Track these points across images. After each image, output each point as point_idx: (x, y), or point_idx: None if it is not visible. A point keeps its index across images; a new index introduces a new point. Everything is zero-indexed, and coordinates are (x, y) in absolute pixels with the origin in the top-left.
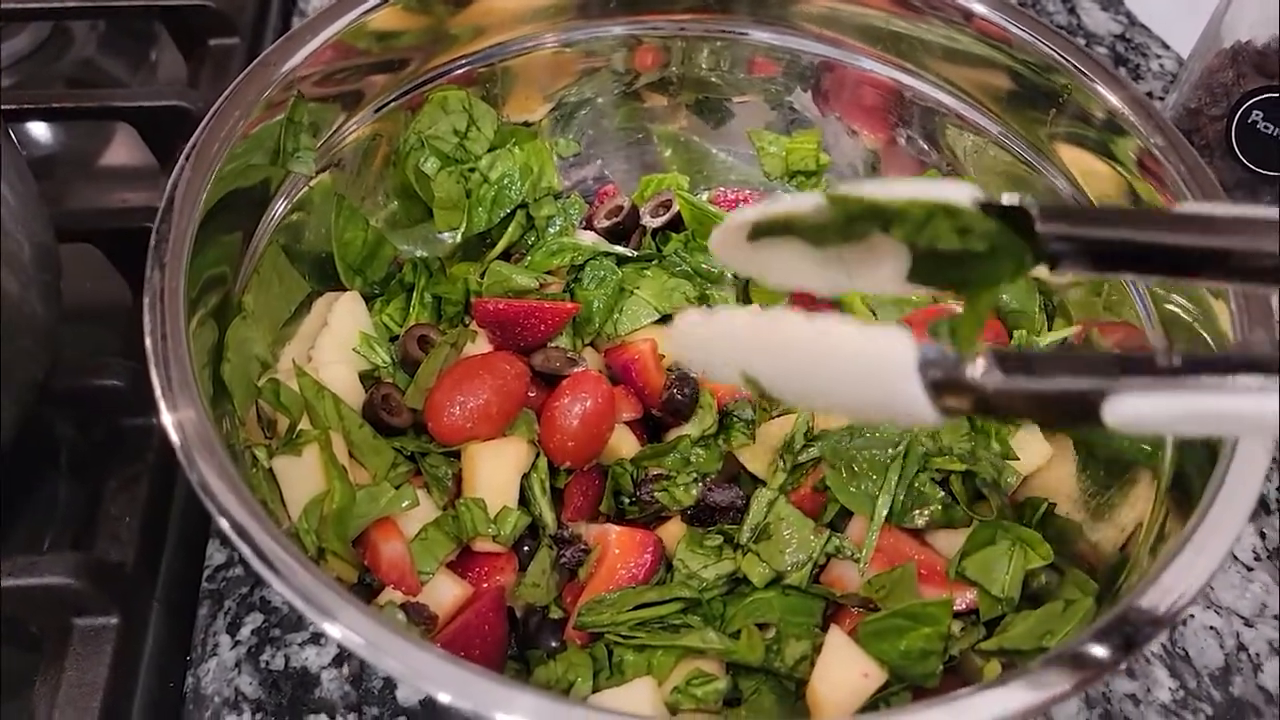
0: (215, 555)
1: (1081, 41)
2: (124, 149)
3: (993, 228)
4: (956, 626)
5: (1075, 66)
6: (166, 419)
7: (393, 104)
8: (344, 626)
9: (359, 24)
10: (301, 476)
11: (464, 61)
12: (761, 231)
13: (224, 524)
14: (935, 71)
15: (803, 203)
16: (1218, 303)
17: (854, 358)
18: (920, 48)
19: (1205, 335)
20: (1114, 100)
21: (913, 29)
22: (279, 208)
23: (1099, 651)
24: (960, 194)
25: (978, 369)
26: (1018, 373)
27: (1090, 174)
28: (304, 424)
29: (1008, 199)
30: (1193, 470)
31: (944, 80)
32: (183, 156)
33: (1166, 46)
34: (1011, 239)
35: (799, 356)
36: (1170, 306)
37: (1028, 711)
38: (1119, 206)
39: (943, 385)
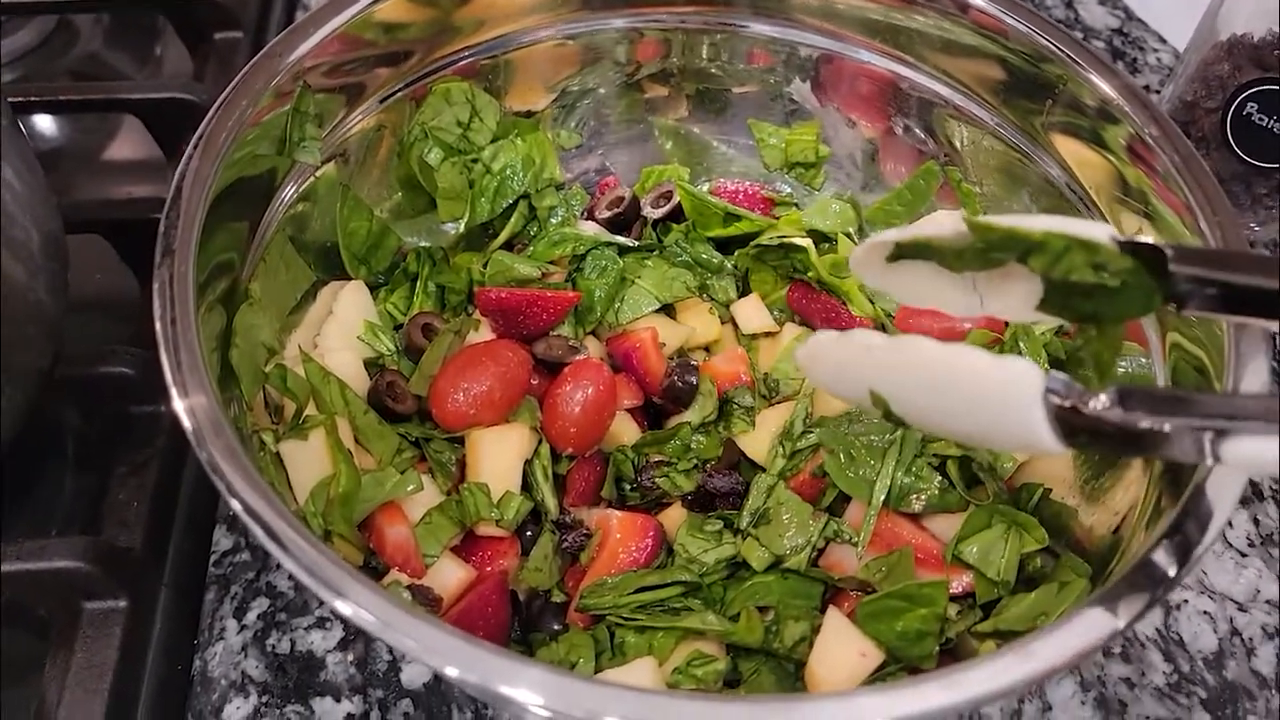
0: (222, 541)
1: (1079, 35)
2: (130, 142)
3: (1127, 265)
4: (953, 609)
5: (1070, 57)
6: (177, 402)
7: (397, 95)
8: (353, 602)
9: (364, 15)
10: (308, 460)
11: (467, 53)
12: (902, 254)
13: (235, 505)
14: (932, 63)
15: (944, 227)
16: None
17: (981, 383)
18: (918, 40)
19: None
20: (1108, 90)
21: (910, 21)
22: (285, 197)
23: (1090, 627)
24: (1099, 231)
25: (1100, 402)
26: (1138, 409)
27: (1084, 164)
28: (310, 409)
29: (1144, 239)
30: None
31: (941, 71)
32: (191, 145)
33: (1163, 40)
34: (1143, 277)
35: (928, 380)
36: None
37: (1021, 685)
38: (1252, 253)
39: (1066, 416)
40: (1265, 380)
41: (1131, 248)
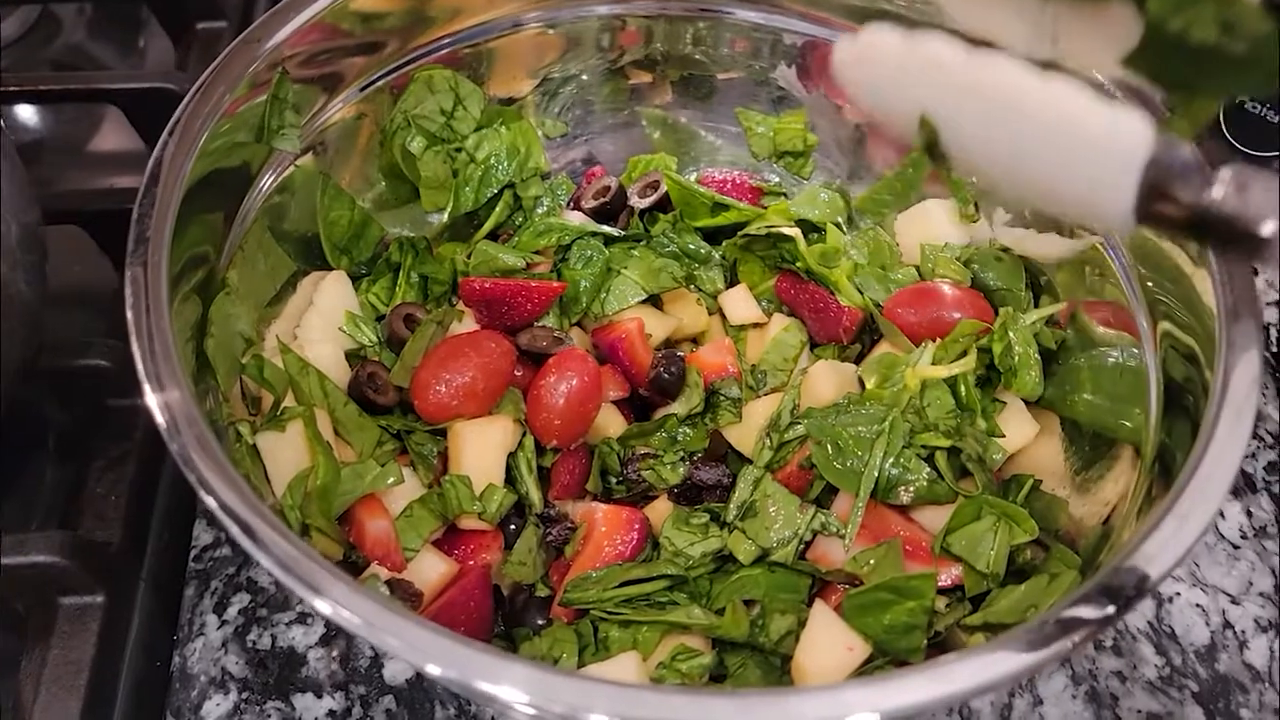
0: (202, 536)
1: None
2: (113, 134)
3: (1265, 30)
4: (942, 602)
5: None
6: (148, 392)
7: (376, 84)
8: (328, 599)
9: (342, 3)
10: (285, 452)
11: (447, 41)
12: None
13: (207, 499)
14: None
15: None
16: (1202, 284)
17: (1078, 126)
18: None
19: (1189, 315)
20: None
21: (895, 5)
22: (264, 186)
23: (1080, 618)
24: None
25: (1214, 192)
26: (1257, 206)
27: None
28: (289, 401)
29: None
30: (1175, 445)
31: None
32: (166, 132)
33: None
34: (1275, 50)
35: (1008, 110)
36: (1152, 285)
37: (1008, 679)
38: None
39: (1162, 190)
40: (1256, 372)
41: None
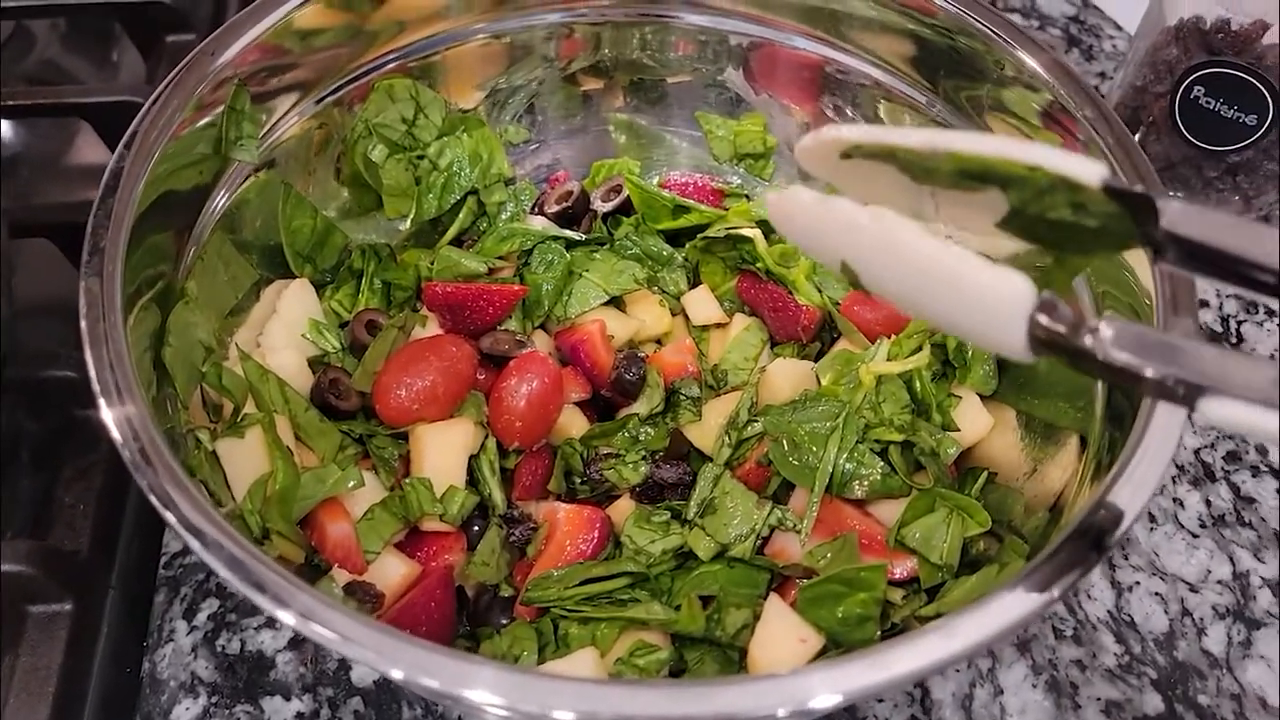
0: (172, 543)
1: (1035, 24)
2: (87, 148)
3: (1111, 210)
4: (898, 595)
5: (1000, 37)
6: (101, 401)
7: (333, 95)
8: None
9: (285, 22)
10: (245, 458)
11: (395, 55)
12: (861, 154)
13: (169, 516)
14: (862, 45)
15: (913, 138)
16: (1144, 278)
17: (969, 286)
18: (846, 23)
19: (1133, 307)
20: (1038, 68)
21: (839, 4)
22: (221, 197)
23: (1017, 600)
24: (1088, 172)
25: (1090, 338)
26: (1129, 349)
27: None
28: (249, 408)
29: (1138, 187)
30: (1117, 430)
31: (871, 54)
32: (122, 144)
33: (1119, 28)
34: (1124, 223)
35: (910, 268)
36: (1097, 279)
37: (948, 661)
38: (1252, 222)
39: (1048, 337)
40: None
41: (1119, 195)
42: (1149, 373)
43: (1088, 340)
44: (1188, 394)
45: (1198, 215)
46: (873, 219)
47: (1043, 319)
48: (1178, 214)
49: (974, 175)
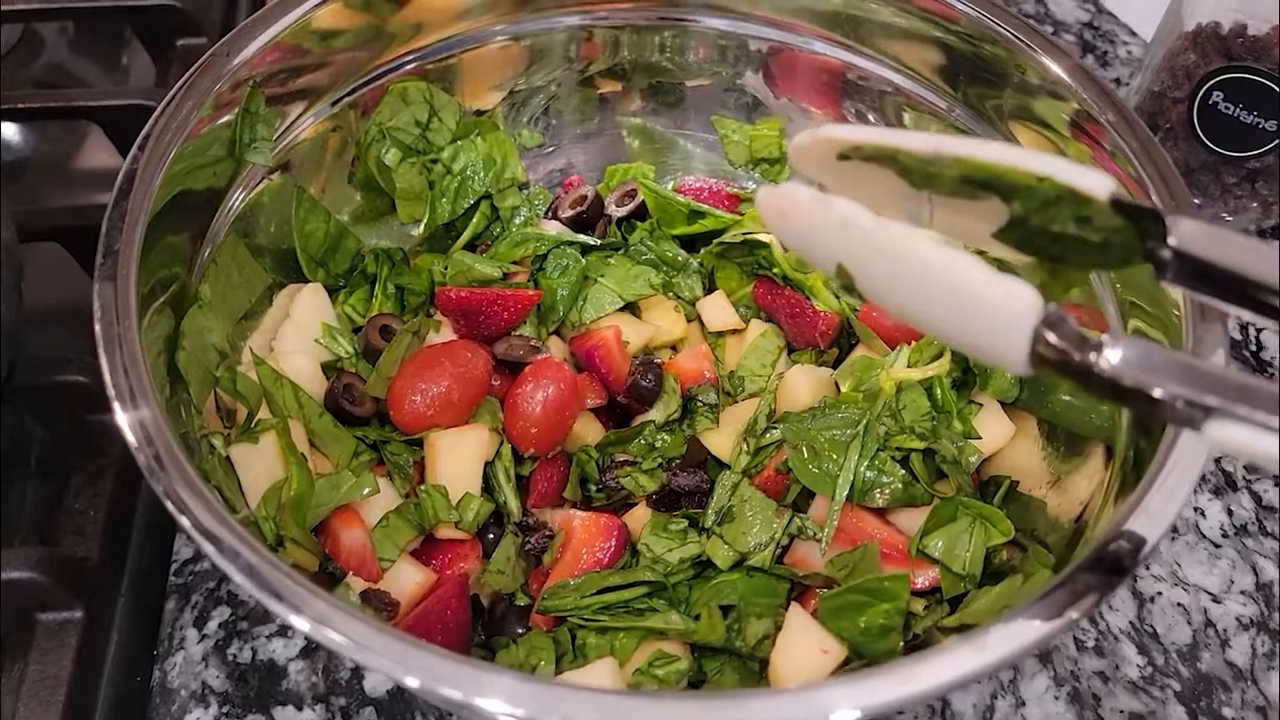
0: (183, 550)
1: (1049, 30)
2: (96, 151)
3: (1116, 224)
4: (920, 605)
5: (1023, 42)
6: (116, 405)
7: (348, 98)
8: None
9: (303, 22)
10: (259, 464)
11: (413, 56)
12: (861, 156)
13: (183, 520)
14: (883, 51)
15: (916, 142)
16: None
17: (971, 296)
18: (867, 28)
19: (1158, 314)
20: (1062, 74)
21: (859, 10)
22: (236, 199)
23: (1044, 615)
24: (1097, 185)
25: (1095, 356)
26: (1136, 367)
27: (1042, 148)
28: (263, 413)
29: (1144, 202)
30: (1145, 440)
31: (893, 59)
32: (135, 146)
33: (1134, 33)
34: (1129, 238)
35: (909, 275)
36: (1122, 287)
37: (976, 675)
38: (1259, 241)
39: (1052, 354)
40: (1222, 366)
41: (1127, 210)
42: (1156, 393)
43: (1092, 358)
44: (1195, 416)
45: (1209, 234)
46: (873, 221)
47: (1049, 335)
48: (1188, 231)
49: (978, 183)
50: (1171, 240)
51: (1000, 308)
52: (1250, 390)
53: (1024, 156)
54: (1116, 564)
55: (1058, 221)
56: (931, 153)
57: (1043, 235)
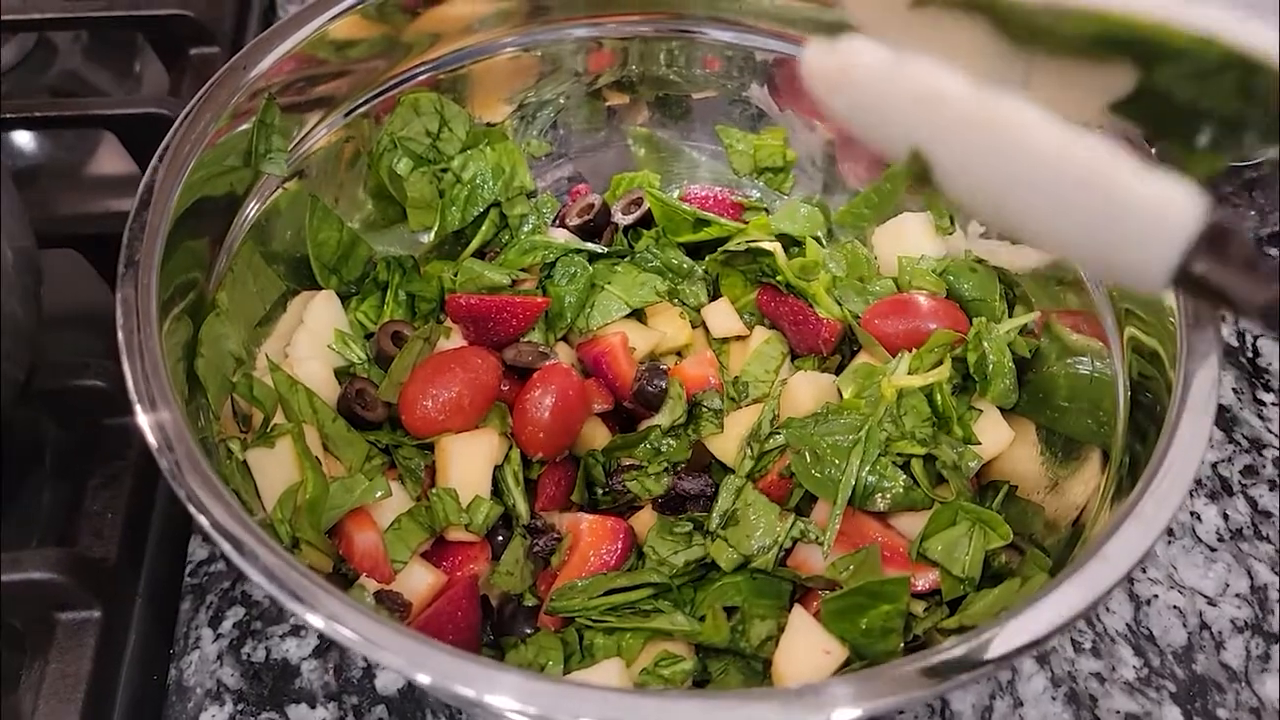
0: (198, 551)
1: None
2: (109, 159)
3: None
4: (920, 607)
5: None
6: (138, 409)
7: (361, 109)
8: (320, 614)
9: (321, 33)
10: (275, 467)
11: (427, 66)
12: (944, 1)
13: (203, 520)
14: None
15: None
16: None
17: (1113, 192)
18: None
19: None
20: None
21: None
22: (252, 209)
23: (1041, 618)
24: (1271, 43)
25: (1270, 285)
26: None
27: None
28: (278, 418)
29: None
30: (1141, 445)
31: None
32: (155, 157)
33: None
34: None
35: (1022, 160)
36: (1118, 294)
37: (975, 677)
38: None
39: (1204, 277)
40: (1215, 374)
41: None
42: None
43: (1261, 288)
44: None
45: None
46: (973, 88)
47: (1205, 257)
48: None
49: (1111, 43)
50: None
51: (1150, 213)
52: None
53: (1184, 10)
54: (1110, 568)
55: (1214, 95)
56: (1053, 2)
57: (1185, 111)
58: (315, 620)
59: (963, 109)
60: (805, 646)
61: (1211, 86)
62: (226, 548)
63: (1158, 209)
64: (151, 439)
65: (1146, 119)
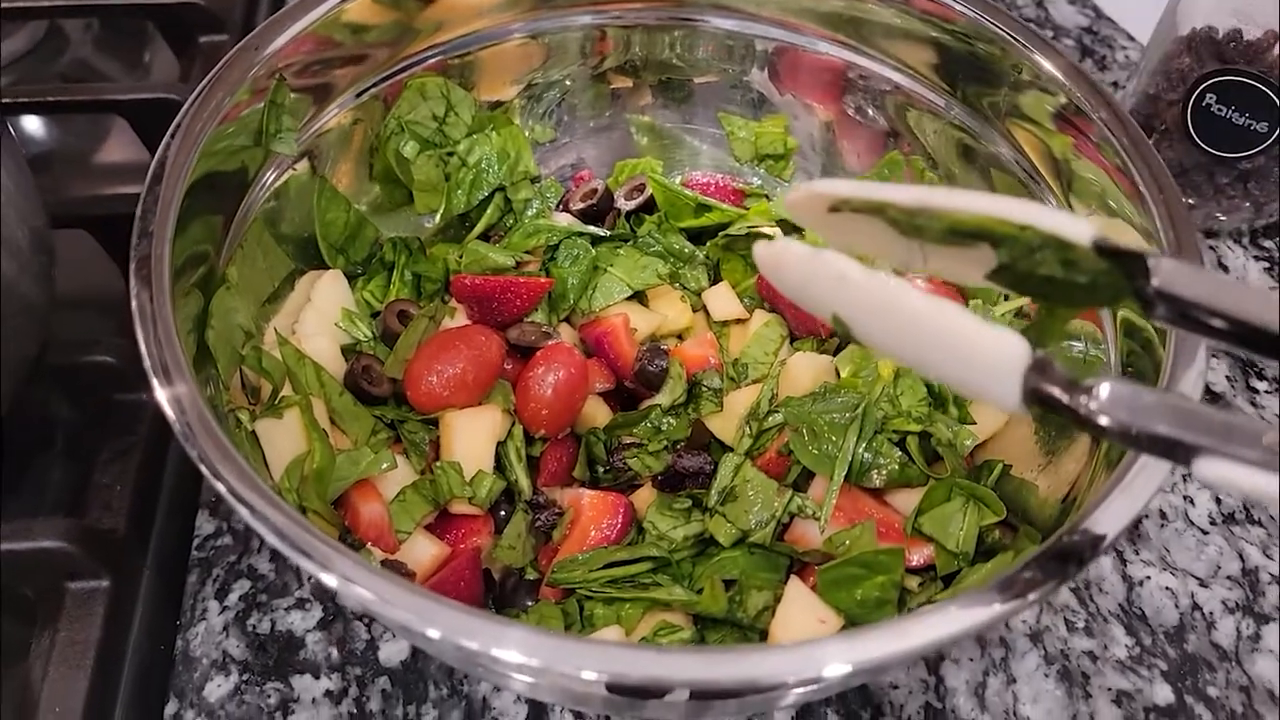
0: (204, 525)
1: (1049, 35)
2: (119, 145)
3: (1101, 267)
4: (915, 581)
5: (1018, 41)
6: (152, 376)
7: (370, 91)
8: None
9: (333, 15)
10: (283, 438)
11: (435, 51)
12: (850, 208)
13: (220, 487)
14: (883, 50)
15: (902, 196)
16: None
17: (963, 344)
18: (870, 28)
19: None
20: (1056, 73)
21: (862, 11)
22: (262, 187)
23: (1028, 580)
24: (1079, 231)
25: (1084, 401)
26: (1120, 409)
27: (1036, 147)
28: (286, 390)
29: (1127, 246)
30: None
31: (892, 58)
32: (168, 134)
33: (1131, 38)
34: (1115, 279)
35: (902, 323)
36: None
37: (963, 634)
38: (1246, 286)
39: (1042, 394)
40: (1203, 353)
41: (1111, 253)
42: (1141, 433)
43: (1082, 400)
44: (1183, 454)
45: (1189, 274)
46: (865, 275)
47: (1037, 380)
48: (1169, 272)
49: (964, 233)
50: (1155, 281)
51: (990, 355)
52: (1235, 429)
53: (1007, 206)
54: (1096, 538)
55: (1044, 266)
56: (916, 205)
57: (1032, 278)
58: (327, 578)
59: (860, 287)
60: (801, 616)
61: (1040, 260)
62: (240, 509)
63: (996, 350)
64: (165, 404)
65: (1011, 284)
